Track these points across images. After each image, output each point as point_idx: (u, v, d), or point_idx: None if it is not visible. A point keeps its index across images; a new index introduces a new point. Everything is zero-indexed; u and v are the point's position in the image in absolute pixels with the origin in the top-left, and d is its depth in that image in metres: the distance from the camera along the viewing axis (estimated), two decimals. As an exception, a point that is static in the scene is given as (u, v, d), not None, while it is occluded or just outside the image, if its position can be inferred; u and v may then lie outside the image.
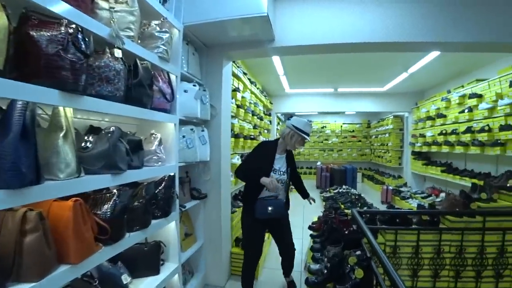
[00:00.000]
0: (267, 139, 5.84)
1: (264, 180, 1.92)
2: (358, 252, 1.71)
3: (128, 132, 1.52)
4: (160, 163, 1.69)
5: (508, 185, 2.37)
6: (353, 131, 10.09)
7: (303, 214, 4.92)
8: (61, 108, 1.02)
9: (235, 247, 3.07)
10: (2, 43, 0.78)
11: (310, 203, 2.43)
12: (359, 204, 5.13)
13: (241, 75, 3.72)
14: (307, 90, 6.30)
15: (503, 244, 2.26)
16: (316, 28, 2.34)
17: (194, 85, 2.14)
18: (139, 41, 1.54)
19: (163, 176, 1.75)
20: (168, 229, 1.85)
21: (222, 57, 2.53)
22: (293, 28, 2.37)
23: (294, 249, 2.30)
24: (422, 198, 5.13)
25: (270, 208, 1.95)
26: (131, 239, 1.34)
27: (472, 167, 4.25)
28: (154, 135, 1.73)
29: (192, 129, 2.17)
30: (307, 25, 2.35)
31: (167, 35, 1.66)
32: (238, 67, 3.62)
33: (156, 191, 1.66)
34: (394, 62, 4.12)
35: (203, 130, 2.36)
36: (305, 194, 2.43)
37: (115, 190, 1.24)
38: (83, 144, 1.18)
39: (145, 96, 1.48)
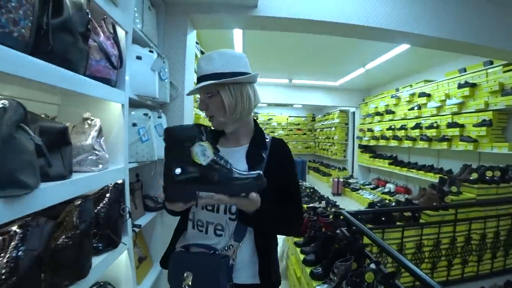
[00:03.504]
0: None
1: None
2: (373, 266, 1.43)
3: (42, 116, 0.88)
4: (100, 165, 1.05)
5: (471, 178, 2.48)
6: (298, 124, 10.29)
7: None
8: None
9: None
10: None
11: None
12: (316, 198, 5.13)
13: (198, 53, 3.08)
14: (261, 79, 5.93)
15: (469, 233, 2.38)
16: (301, 1, 1.99)
17: (151, 51, 1.51)
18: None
19: (106, 186, 1.12)
20: (117, 264, 1.22)
21: (186, 21, 1.92)
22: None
23: None
24: (371, 189, 5.44)
25: (185, 276, 0.75)
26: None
27: (415, 160, 4.62)
28: (89, 121, 1.07)
29: (146, 115, 1.53)
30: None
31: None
32: (196, 42, 2.98)
33: (96, 212, 1.03)
34: (353, 56, 4.09)
35: (160, 117, 1.73)
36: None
37: (15, 228, 0.61)
38: None
39: (75, 52, 0.84)
